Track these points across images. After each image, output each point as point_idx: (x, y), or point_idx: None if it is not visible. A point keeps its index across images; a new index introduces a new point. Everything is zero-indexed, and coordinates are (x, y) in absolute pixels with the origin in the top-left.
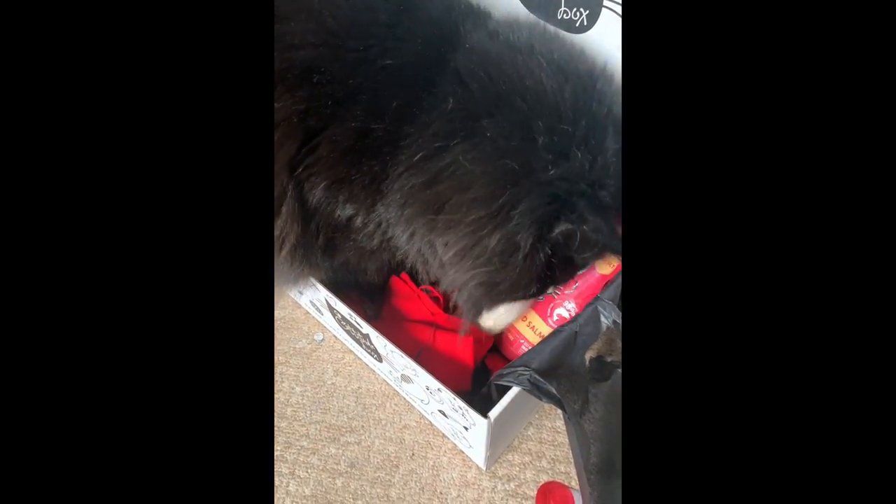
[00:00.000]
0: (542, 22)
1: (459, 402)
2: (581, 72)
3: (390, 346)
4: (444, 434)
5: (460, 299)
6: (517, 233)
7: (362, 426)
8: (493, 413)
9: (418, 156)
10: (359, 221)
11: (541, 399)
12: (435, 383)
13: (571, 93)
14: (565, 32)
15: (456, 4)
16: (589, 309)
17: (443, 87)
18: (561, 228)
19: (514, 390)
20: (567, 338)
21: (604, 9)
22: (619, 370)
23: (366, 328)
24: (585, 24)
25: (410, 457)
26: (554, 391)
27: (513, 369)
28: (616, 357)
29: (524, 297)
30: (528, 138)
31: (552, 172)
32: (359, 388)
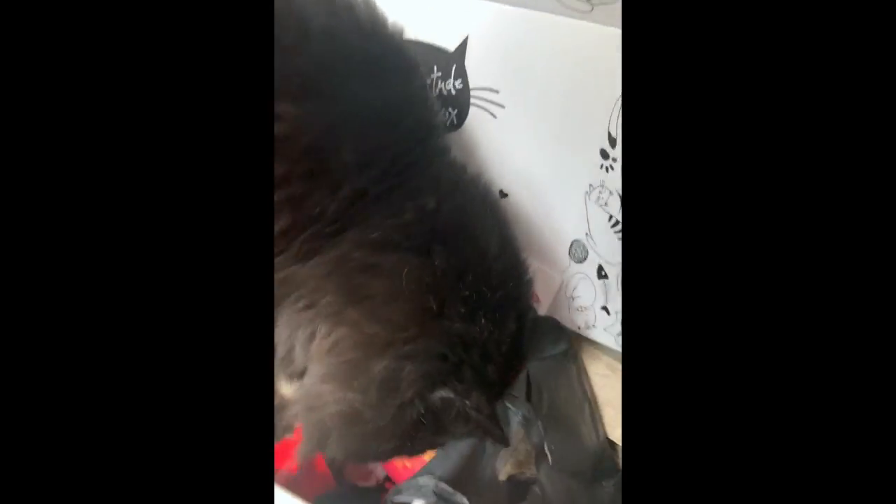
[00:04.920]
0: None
1: None
2: (511, 243)
3: None
4: None
5: (307, 423)
6: (401, 372)
7: None
8: None
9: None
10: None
11: None
12: None
13: (502, 263)
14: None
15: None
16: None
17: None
18: (442, 394)
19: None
20: (474, 441)
21: (472, 107)
22: (536, 486)
23: None
24: (455, 122)
25: None
26: None
27: (413, 481)
28: (531, 473)
29: (376, 454)
30: (456, 283)
31: (457, 327)
32: None
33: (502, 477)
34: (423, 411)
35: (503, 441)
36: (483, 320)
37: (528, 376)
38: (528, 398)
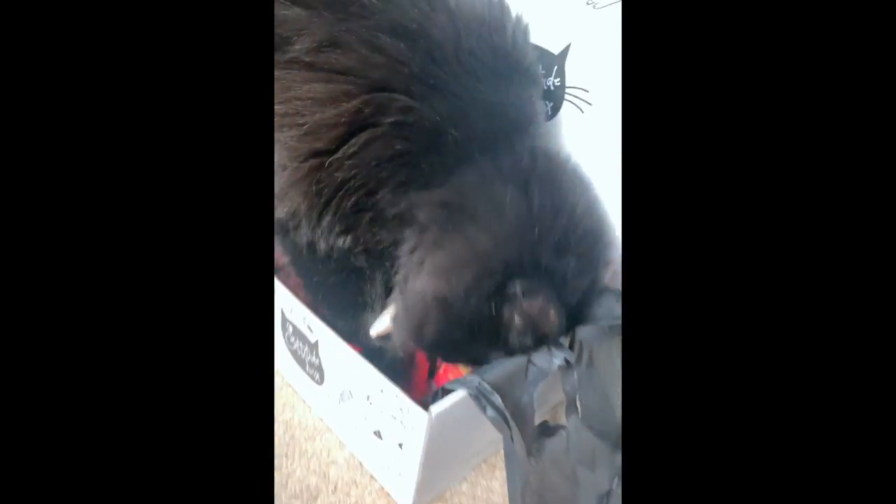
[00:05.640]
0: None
1: (403, 400)
2: (595, 212)
3: (339, 346)
4: (372, 476)
5: (411, 311)
6: (491, 276)
7: (286, 454)
8: (436, 409)
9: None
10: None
11: (484, 411)
12: (378, 384)
13: (586, 224)
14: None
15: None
16: (543, 344)
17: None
18: (516, 287)
19: (460, 394)
20: (520, 363)
21: (565, 102)
22: (564, 431)
23: (316, 334)
24: (550, 114)
25: (332, 491)
26: (500, 405)
27: (462, 378)
28: (562, 421)
29: (449, 349)
30: (551, 223)
31: (548, 257)
32: (291, 418)
33: (536, 420)
34: (492, 311)
35: (553, 330)
36: (570, 260)
37: (573, 331)
38: (571, 347)
